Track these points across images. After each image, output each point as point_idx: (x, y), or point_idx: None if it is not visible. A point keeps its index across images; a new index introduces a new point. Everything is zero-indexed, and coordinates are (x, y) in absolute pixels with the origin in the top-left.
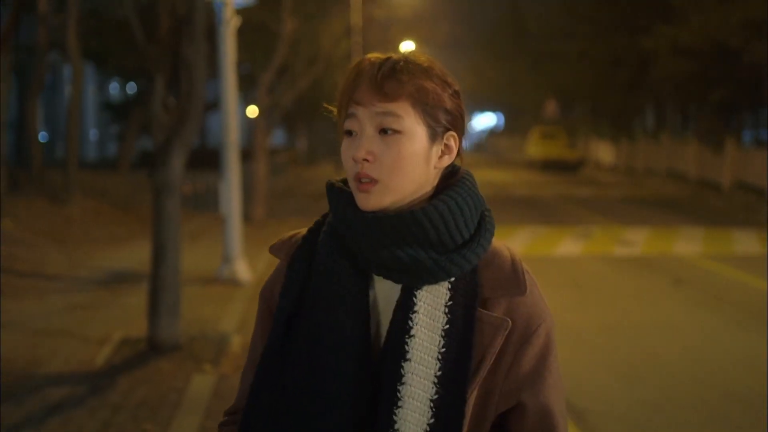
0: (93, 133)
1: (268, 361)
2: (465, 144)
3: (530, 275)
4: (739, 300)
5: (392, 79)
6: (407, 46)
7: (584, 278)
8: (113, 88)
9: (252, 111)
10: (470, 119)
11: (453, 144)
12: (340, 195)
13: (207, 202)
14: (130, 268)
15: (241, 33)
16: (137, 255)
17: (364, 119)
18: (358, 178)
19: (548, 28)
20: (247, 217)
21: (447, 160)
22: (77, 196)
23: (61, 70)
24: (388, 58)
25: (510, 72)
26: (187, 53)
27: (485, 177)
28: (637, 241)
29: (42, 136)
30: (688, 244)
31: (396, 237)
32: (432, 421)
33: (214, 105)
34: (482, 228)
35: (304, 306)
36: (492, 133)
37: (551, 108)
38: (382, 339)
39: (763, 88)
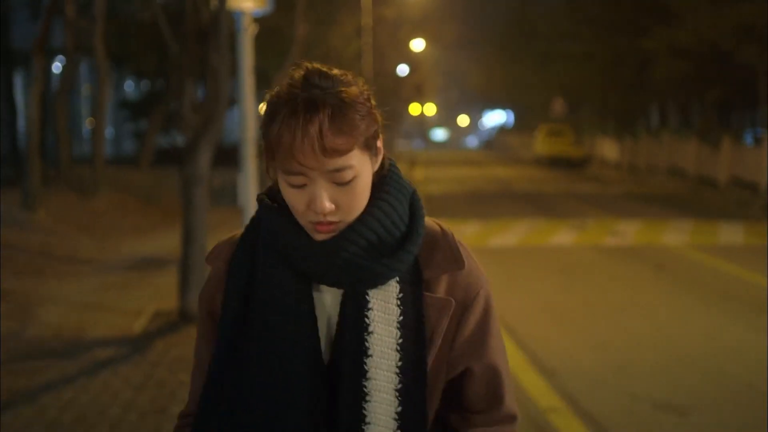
0: (109, 131)
1: (218, 367)
2: (475, 142)
3: (464, 246)
4: (712, 284)
5: (338, 134)
6: (417, 45)
7: (573, 265)
8: (128, 86)
9: (263, 109)
10: (480, 117)
11: (380, 144)
12: (279, 219)
13: (224, 197)
14: (155, 254)
15: (256, 36)
16: (161, 243)
17: (315, 176)
18: (319, 224)
19: (554, 28)
20: None
21: (379, 161)
22: (103, 190)
23: (77, 69)
24: (314, 105)
25: (518, 71)
26: (213, 61)
27: (492, 174)
28: (627, 232)
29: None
30: (675, 235)
31: (343, 251)
32: (399, 409)
33: (231, 103)
34: (416, 216)
35: (250, 312)
36: (501, 130)
37: (559, 106)
38: (331, 337)
39: (755, 87)
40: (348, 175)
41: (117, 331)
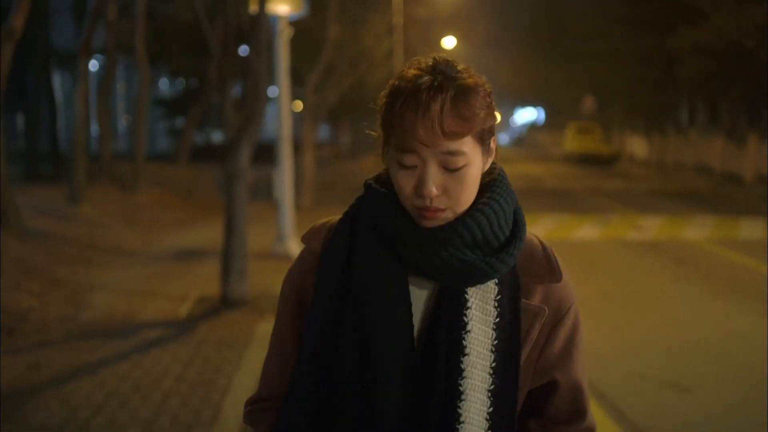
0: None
1: (310, 351)
2: (506, 139)
3: (560, 260)
4: (726, 276)
5: (457, 117)
6: (448, 42)
7: (594, 258)
8: (162, 83)
9: (298, 105)
10: (512, 114)
11: (494, 145)
12: (385, 202)
13: (259, 192)
14: (195, 246)
15: (291, 38)
16: (200, 235)
17: (428, 157)
18: (426, 210)
19: (584, 26)
20: (296, 205)
21: (490, 162)
22: (143, 185)
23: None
24: (437, 85)
25: (549, 69)
26: (253, 65)
27: (521, 171)
28: (650, 227)
29: (94, 130)
30: (697, 230)
31: (448, 244)
32: (491, 409)
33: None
34: (518, 223)
35: (346, 297)
36: (532, 127)
37: (589, 104)
38: (417, 330)
39: None
40: (459, 161)
41: (164, 315)
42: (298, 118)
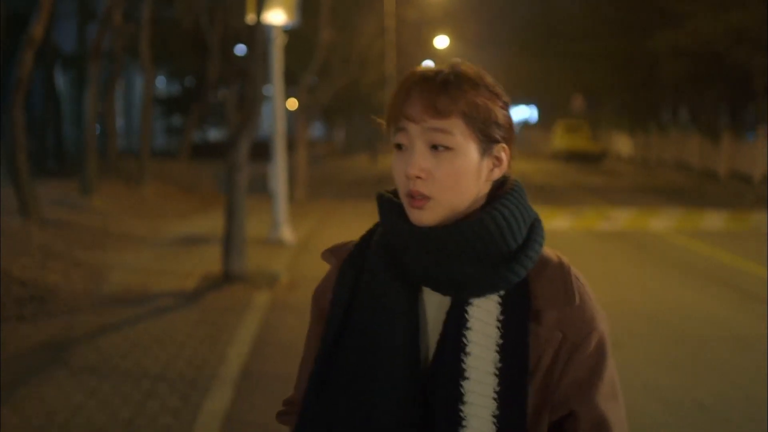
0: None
1: (320, 366)
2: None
3: (581, 282)
4: (679, 259)
5: (444, 95)
6: (441, 42)
7: (563, 246)
8: (160, 82)
9: (292, 104)
10: None
11: (504, 156)
12: (390, 207)
13: (254, 187)
14: (198, 233)
15: (285, 43)
16: (201, 224)
17: (415, 134)
18: (411, 195)
19: (573, 28)
20: (291, 198)
21: (498, 173)
22: (149, 180)
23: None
24: (438, 72)
25: (541, 68)
26: (251, 70)
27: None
28: (619, 218)
29: (97, 128)
30: (663, 221)
31: (444, 250)
32: None
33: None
34: (531, 239)
35: (353, 314)
36: (525, 125)
37: (578, 103)
38: (431, 352)
39: (749, 86)
40: (446, 139)
41: (174, 288)
42: (293, 116)
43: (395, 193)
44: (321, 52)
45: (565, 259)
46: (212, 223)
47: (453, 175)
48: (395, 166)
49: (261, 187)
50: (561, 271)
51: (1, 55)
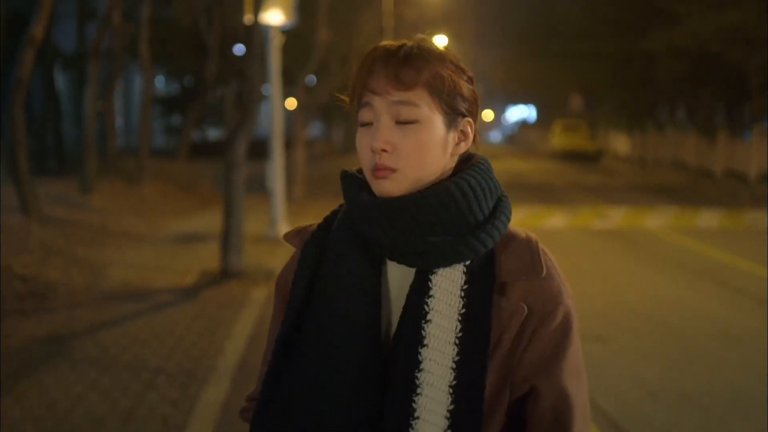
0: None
1: (281, 349)
2: (499, 136)
3: (548, 256)
4: (673, 257)
5: (408, 66)
6: (439, 41)
7: (558, 243)
8: (159, 81)
9: (290, 103)
10: (503, 112)
11: (469, 130)
12: (352, 181)
13: (251, 186)
14: (196, 231)
15: (283, 42)
16: (199, 222)
17: (380, 109)
18: (376, 168)
19: (571, 27)
20: (289, 197)
21: (464, 147)
22: (148, 179)
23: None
24: (401, 45)
25: (540, 68)
26: (248, 71)
27: (506, 166)
28: (615, 216)
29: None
30: (657, 219)
31: (408, 219)
32: (452, 407)
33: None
34: (497, 211)
35: (315, 293)
36: (523, 125)
37: (576, 102)
38: (394, 325)
39: (744, 86)
40: (411, 113)
41: (173, 284)
42: (291, 115)
43: (360, 171)
44: (319, 51)
45: (533, 235)
46: (211, 221)
47: (419, 148)
48: (360, 142)
49: (259, 186)
50: (528, 244)
51: (1, 55)
